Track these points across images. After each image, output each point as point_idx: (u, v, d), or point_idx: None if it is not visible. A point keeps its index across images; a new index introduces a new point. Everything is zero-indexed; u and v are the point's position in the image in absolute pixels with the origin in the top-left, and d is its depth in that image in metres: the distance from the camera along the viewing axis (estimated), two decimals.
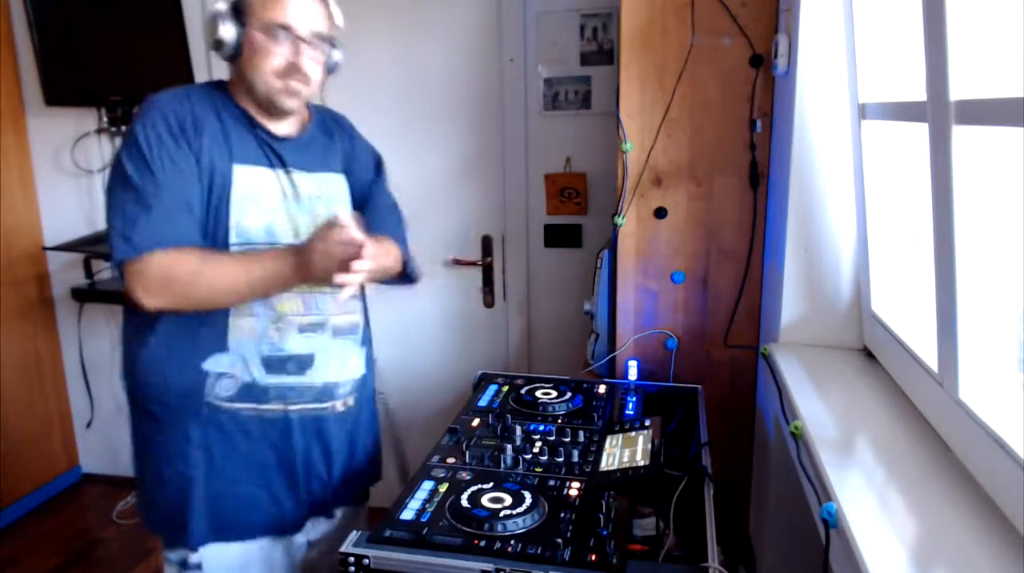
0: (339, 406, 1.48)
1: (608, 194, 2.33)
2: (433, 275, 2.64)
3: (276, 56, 1.33)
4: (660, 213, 1.89)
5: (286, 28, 1.32)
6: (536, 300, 2.61)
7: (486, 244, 2.60)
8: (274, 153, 1.40)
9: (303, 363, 1.42)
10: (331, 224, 1.24)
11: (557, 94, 2.43)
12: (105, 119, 2.75)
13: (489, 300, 2.64)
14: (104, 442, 3.11)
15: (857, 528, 0.92)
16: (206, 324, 1.35)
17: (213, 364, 1.36)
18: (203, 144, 1.32)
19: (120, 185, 1.28)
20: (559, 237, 2.53)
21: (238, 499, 1.41)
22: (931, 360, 1.18)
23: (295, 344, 1.41)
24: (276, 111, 1.39)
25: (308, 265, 1.26)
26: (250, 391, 1.38)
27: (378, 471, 1.70)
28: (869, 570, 0.83)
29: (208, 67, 2.64)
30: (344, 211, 1.47)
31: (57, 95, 2.71)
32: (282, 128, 1.42)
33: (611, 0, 2.30)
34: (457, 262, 2.62)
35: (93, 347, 3.01)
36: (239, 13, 1.32)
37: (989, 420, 0.99)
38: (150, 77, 2.63)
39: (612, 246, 1.96)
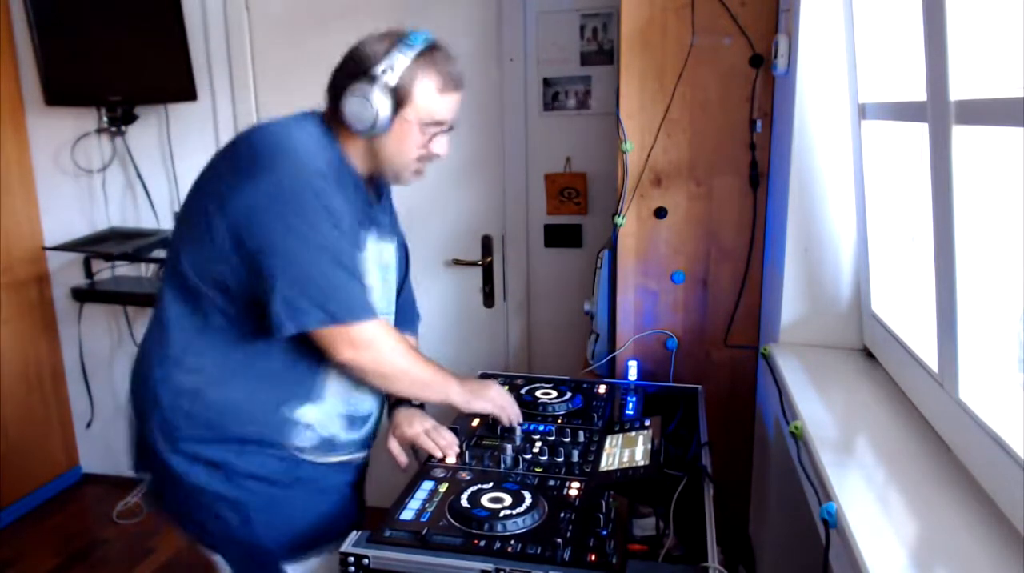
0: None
1: (608, 194, 2.33)
2: (433, 275, 2.64)
3: (424, 148, 1.33)
4: (660, 213, 1.89)
5: (443, 124, 1.33)
6: (536, 300, 2.61)
7: (486, 244, 2.60)
8: (370, 218, 1.39)
9: (366, 419, 1.46)
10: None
11: (557, 94, 2.43)
12: (105, 119, 2.74)
13: (489, 300, 2.64)
14: (104, 442, 3.11)
15: (857, 528, 0.92)
16: (297, 373, 1.33)
17: (302, 414, 1.35)
18: (345, 205, 1.27)
19: (314, 246, 1.21)
20: (559, 237, 2.53)
21: (304, 533, 1.40)
22: (931, 360, 1.18)
23: (367, 403, 1.44)
24: (386, 182, 1.41)
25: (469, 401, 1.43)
26: (327, 445, 1.39)
27: None
28: (869, 570, 0.83)
29: (208, 68, 2.64)
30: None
31: (57, 95, 2.71)
32: (373, 193, 1.42)
33: (611, 0, 2.30)
34: (457, 262, 2.62)
35: (93, 347, 3.01)
36: (395, 93, 1.27)
37: (989, 420, 0.99)
38: (150, 77, 2.64)
39: (612, 246, 1.96)
